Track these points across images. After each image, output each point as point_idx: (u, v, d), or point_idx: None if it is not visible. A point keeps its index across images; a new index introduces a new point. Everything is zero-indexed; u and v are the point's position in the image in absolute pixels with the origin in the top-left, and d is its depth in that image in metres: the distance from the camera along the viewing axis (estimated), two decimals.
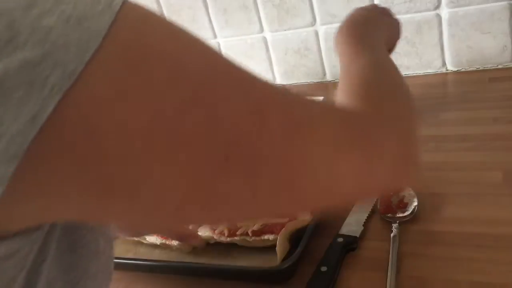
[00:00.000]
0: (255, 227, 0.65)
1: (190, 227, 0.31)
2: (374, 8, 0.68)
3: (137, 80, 0.25)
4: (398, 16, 1.03)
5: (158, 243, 0.68)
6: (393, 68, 0.52)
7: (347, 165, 0.33)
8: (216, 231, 0.67)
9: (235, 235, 0.65)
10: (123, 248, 0.70)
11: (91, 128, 0.24)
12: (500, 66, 1.00)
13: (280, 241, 0.61)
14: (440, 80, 1.04)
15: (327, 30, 1.11)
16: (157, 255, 0.69)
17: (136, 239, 0.71)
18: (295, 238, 0.64)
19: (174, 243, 0.67)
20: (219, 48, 1.23)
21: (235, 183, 0.28)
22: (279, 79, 1.22)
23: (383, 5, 1.02)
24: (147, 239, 0.69)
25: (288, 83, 1.20)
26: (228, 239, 0.66)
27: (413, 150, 0.43)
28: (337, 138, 0.33)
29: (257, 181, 0.29)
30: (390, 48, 0.66)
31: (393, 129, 0.40)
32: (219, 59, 0.30)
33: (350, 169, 0.34)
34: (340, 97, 0.44)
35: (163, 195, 0.27)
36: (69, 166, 0.24)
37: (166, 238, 0.68)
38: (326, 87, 1.16)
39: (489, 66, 1.01)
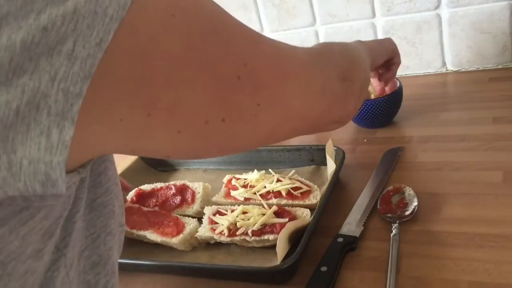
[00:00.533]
0: (255, 227, 0.65)
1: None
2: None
3: (173, 11, 0.30)
4: (398, 16, 1.03)
5: (159, 241, 0.68)
6: (357, 47, 0.62)
7: (313, 80, 0.44)
8: (216, 231, 0.67)
9: (235, 235, 0.65)
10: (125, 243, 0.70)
11: (141, 54, 0.28)
12: (500, 66, 1.01)
13: (280, 241, 0.61)
14: (440, 80, 1.04)
15: (327, 30, 1.11)
16: (157, 255, 0.69)
17: (136, 236, 0.71)
18: (295, 238, 0.64)
19: (175, 240, 0.67)
20: None
21: (246, 97, 0.35)
22: None
23: (383, 5, 1.02)
24: (147, 236, 0.69)
25: None
26: (228, 239, 0.66)
27: (355, 76, 0.53)
28: (303, 60, 0.44)
29: (260, 94, 0.37)
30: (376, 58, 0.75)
31: (337, 58, 0.52)
32: (224, 11, 0.38)
33: (316, 83, 0.45)
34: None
35: (194, 111, 0.32)
36: (122, 90, 0.28)
37: (167, 236, 0.68)
38: None
39: (489, 66, 1.01)
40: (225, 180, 0.80)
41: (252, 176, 0.78)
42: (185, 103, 0.31)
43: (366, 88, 0.59)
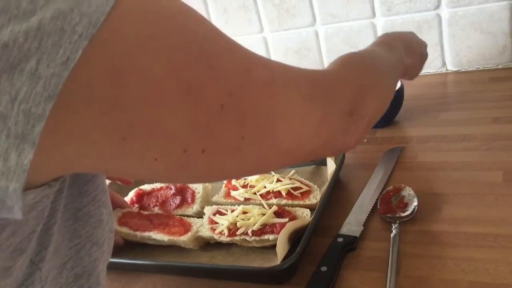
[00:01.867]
0: (255, 227, 0.65)
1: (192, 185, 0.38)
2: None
3: (154, 31, 0.28)
4: (398, 16, 1.03)
5: (166, 240, 0.68)
6: (389, 63, 0.57)
7: (310, 116, 0.40)
8: (216, 231, 0.67)
9: (235, 235, 0.65)
10: (127, 245, 0.70)
11: (115, 74, 0.27)
12: (500, 66, 1.00)
13: (280, 241, 0.61)
14: (440, 80, 1.04)
15: (327, 30, 1.11)
16: (157, 255, 0.69)
17: (140, 238, 0.71)
18: (295, 238, 0.64)
19: (184, 238, 0.67)
20: None
21: (228, 129, 0.33)
22: None
23: (383, 5, 1.02)
24: (153, 237, 0.69)
25: None
26: (228, 239, 0.66)
27: (365, 111, 0.48)
28: (302, 92, 0.40)
29: (245, 127, 0.34)
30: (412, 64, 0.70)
31: (348, 89, 0.46)
32: (218, 30, 0.35)
33: (312, 119, 0.41)
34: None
35: (172, 138, 0.30)
36: (96, 111, 0.27)
37: (174, 235, 0.68)
38: None
39: (489, 66, 1.01)
40: (225, 180, 0.80)
41: (252, 176, 0.78)
42: (163, 129, 0.30)
43: (378, 117, 0.53)
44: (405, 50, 0.64)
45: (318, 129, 0.42)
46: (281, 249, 0.61)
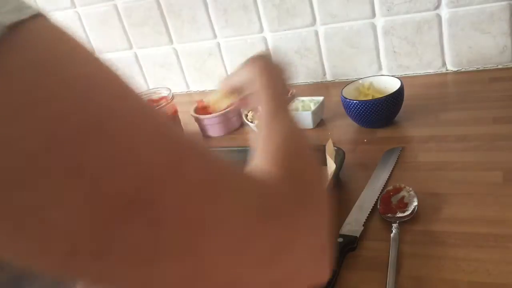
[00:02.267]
0: None
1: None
2: (281, 65, 0.64)
3: (38, 100, 0.22)
4: (398, 16, 1.03)
5: None
6: (305, 142, 0.49)
7: (261, 238, 0.30)
8: None
9: None
10: None
11: None
12: (500, 66, 1.00)
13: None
14: (440, 80, 1.04)
15: (327, 30, 1.11)
16: None
17: None
18: None
19: None
20: (219, 48, 1.23)
21: (136, 233, 0.25)
22: None
23: (383, 5, 1.02)
24: None
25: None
26: None
27: (322, 240, 0.37)
28: (250, 211, 0.30)
29: (162, 236, 0.25)
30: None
31: (306, 215, 0.35)
32: (134, 94, 0.28)
33: (263, 242, 0.30)
34: (260, 159, 0.44)
35: (51, 235, 0.23)
36: None
37: None
38: (326, 87, 1.16)
39: (489, 66, 1.01)
40: None
41: None
42: (38, 218, 0.23)
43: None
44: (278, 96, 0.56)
45: (275, 256, 0.31)
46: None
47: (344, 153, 0.77)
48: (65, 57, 0.25)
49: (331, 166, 0.74)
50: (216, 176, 0.29)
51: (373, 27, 1.06)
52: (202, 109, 1.06)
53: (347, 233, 0.63)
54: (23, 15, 0.23)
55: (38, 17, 0.24)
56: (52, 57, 0.24)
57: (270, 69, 0.59)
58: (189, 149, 0.28)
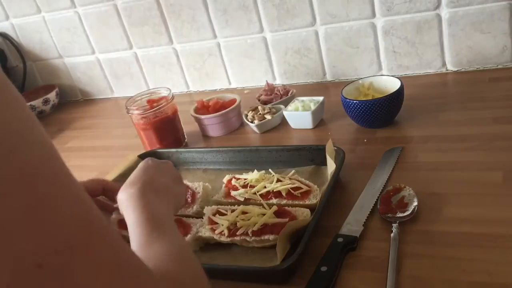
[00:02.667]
0: (255, 227, 0.65)
1: None
2: (168, 170, 0.64)
3: None
4: (398, 16, 1.03)
5: None
6: (190, 256, 0.49)
7: None
8: (216, 231, 0.67)
9: (235, 235, 0.65)
10: None
11: None
12: (500, 66, 1.00)
13: (280, 241, 0.61)
14: (440, 80, 1.04)
15: (327, 30, 1.11)
16: None
17: None
18: (295, 238, 0.64)
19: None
20: (219, 48, 1.23)
21: None
22: (279, 79, 1.22)
23: (383, 5, 1.02)
24: None
25: (288, 83, 1.20)
26: (228, 239, 0.66)
27: None
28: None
29: None
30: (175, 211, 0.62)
31: None
32: (59, 158, 0.28)
33: None
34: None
35: None
36: None
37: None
38: (326, 87, 1.16)
39: (489, 66, 1.01)
40: (225, 180, 0.80)
41: (252, 176, 0.77)
42: None
43: None
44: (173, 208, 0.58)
45: None
46: (281, 249, 0.61)
47: (344, 153, 0.77)
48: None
49: (331, 166, 0.74)
50: (120, 260, 0.29)
51: (373, 27, 1.06)
52: (202, 109, 1.06)
53: (347, 233, 0.63)
54: None
55: None
56: None
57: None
58: (102, 224, 0.29)
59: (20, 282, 0.23)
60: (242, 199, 0.74)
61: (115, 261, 0.28)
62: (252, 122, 1.00)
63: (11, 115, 0.25)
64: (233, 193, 0.76)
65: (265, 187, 0.74)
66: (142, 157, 0.92)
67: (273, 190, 0.73)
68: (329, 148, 0.76)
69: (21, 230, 0.23)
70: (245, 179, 0.78)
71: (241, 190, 0.75)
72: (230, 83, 1.29)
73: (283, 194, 0.72)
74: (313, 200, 0.71)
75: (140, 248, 0.46)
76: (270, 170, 0.80)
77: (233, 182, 0.78)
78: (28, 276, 0.23)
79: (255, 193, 0.74)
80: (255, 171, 0.79)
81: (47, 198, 0.24)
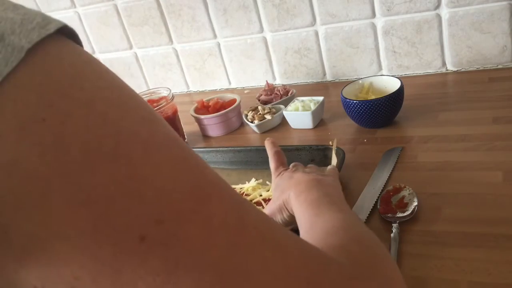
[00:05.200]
0: None
1: None
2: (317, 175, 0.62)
3: (46, 117, 0.21)
4: (398, 16, 1.03)
5: None
6: (361, 224, 0.47)
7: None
8: None
9: None
10: None
11: None
12: (500, 66, 1.00)
13: None
14: (440, 80, 1.04)
15: (327, 30, 1.11)
16: None
17: None
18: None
19: None
20: (219, 48, 1.24)
21: (146, 278, 0.22)
22: (279, 79, 1.22)
23: (383, 5, 1.02)
24: None
25: (288, 83, 1.20)
26: None
27: None
28: (294, 278, 0.25)
29: (176, 283, 0.22)
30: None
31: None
32: (160, 121, 0.26)
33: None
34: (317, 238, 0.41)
35: (56, 266, 0.21)
36: None
37: None
38: (326, 87, 1.16)
39: (489, 66, 1.01)
40: None
41: (249, 185, 0.77)
42: (45, 251, 0.21)
43: None
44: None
45: None
46: None
47: (344, 153, 0.77)
48: (84, 78, 0.23)
49: (335, 163, 0.74)
50: (247, 224, 0.25)
51: (373, 27, 1.06)
52: (202, 109, 1.06)
53: None
54: (47, 31, 0.23)
55: (62, 36, 0.24)
56: (70, 77, 0.23)
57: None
58: (218, 188, 0.25)
59: (123, 257, 0.21)
60: None
61: (237, 224, 0.24)
62: (252, 122, 1.00)
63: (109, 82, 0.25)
64: None
65: (261, 195, 0.74)
66: None
67: (269, 198, 0.73)
68: (334, 146, 0.76)
69: (115, 192, 0.22)
70: (241, 188, 0.78)
71: None
72: (230, 83, 1.29)
73: None
74: None
75: (307, 233, 0.44)
76: (267, 182, 0.79)
77: None
78: (130, 250, 0.21)
79: (250, 201, 0.74)
80: (252, 180, 0.78)
81: (142, 166, 0.22)
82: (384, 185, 0.72)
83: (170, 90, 1.02)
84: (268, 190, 0.75)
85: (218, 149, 0.90)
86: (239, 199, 0.26)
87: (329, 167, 0.72)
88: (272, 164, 0.68)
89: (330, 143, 0.77)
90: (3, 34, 0.22)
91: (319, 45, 1.14)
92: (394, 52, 1.07)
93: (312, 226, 0.45)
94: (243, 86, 1.28)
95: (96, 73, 0.24)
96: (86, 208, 0.21)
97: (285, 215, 0.60)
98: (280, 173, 0.66)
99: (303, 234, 0.46)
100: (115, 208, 0.21)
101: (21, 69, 0.21)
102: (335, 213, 0.46)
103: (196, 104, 1.08)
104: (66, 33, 0.25)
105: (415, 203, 0.65)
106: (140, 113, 0.24)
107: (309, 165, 0.69)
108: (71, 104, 0.22)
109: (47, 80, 0.22)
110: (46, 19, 0.23)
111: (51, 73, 0.22)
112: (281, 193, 0.60)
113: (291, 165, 0.67)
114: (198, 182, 0.24)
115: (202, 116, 1.03)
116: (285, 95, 1.07)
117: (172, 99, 1.00)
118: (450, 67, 1.05)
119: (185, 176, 0.24)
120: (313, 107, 0.96)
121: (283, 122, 1.01)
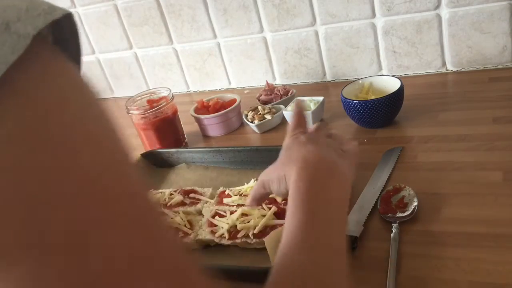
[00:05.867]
0: (256, 230, 0.65)
1: None
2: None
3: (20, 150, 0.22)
4: (398, 16, 1.03)
5: None
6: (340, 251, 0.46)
7: None
8: (216, 234, 0.67)
9: (236, 238, 0.65)
10: None
11: None
12: (500, 66, 1.00)
13: (274, 241, 0.60)
14: (440, 80, 1.04)
15: (327, 30, 1.11)
16: None
17: None
18: None
19: (187, 240, 0.67)
20: (219, 48, 1.24)
21: None
22: (279, 79, 1.22)
23: (383, 5, 1.02)
24: None
25: (288, 83, 1.20)
26: (229, 242, 0.66)
27: None
28: None
29: None
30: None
31: None
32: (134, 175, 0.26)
33: None
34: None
35: None
36: None
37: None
38: (326, 87, 1.16)
39: (489, 66, 1.01)
40: (218, 192, 0.78)
41: (248, 185, 0.77)
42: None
43: None
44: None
45: None
46: (274, 250, 0.60)
47: None
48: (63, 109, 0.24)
49: None
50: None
51: (373, 27, 1.06)
52: (202, 109, 1.06)
53: (347, 233, 0.63)
54: (53, 17, 0.24)
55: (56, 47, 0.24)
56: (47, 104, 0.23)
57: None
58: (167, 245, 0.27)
59: None
60: (234, 206, 0.73)
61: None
62: (252, 122, 1.00)
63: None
64: (225, 200, 0.74)
65: None
66: (142, 157, 0.92)
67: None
68: None
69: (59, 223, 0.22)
70: (239, 190, 0.77)
71: (235, 198, 0.74)
72: (230, 83, 1.29)
73: (279, 200, 0.70)
74: None
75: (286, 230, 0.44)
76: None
77: (227, 192, 0.77)
78: None
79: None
80: (252, 181, 0.78)
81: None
82: (384, 185, 0.72)
83: (170, 90, 1.02)
84: None
85: (218, 149, 0.90)
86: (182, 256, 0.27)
87: (353, 143, 0.63)
88: (291, 124, 0.61)
89: None
90: (8, 23, 0.22)
91: (319, 45, 1.14)
92: (394, 52, 1.07)
93: (294, 234, 0.44)
94: (243, 86, 1.28)
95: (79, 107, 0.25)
96: (31, 250, 0.21)
97: (282, 188, 0.54)
98: (295, 134, 0.58)
99: (286, 226, 0.45)
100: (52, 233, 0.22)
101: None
102: (320, 239, 0.45)
103: (196, 104, 1.08)
104: (69, 26, 0.25)
105: (415, 203, 0.65)
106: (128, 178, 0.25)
107: (333, 133, 0.62)
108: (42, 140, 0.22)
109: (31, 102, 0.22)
110: (52, 7, 0.24)
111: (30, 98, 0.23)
112: (287, 161, 0.54)
113: (314, 126, 0.62)
114: (153, 240, 0.26)
115: (202, 116, 1.03)
116: (285, 95, 1.07)
117: (172, 99, 1.00)
118: (450, 67, 1.05)
119: (144, 233, 0.25)
120: (313, 107, 0.96)
121: (283, 122, 1.01)
